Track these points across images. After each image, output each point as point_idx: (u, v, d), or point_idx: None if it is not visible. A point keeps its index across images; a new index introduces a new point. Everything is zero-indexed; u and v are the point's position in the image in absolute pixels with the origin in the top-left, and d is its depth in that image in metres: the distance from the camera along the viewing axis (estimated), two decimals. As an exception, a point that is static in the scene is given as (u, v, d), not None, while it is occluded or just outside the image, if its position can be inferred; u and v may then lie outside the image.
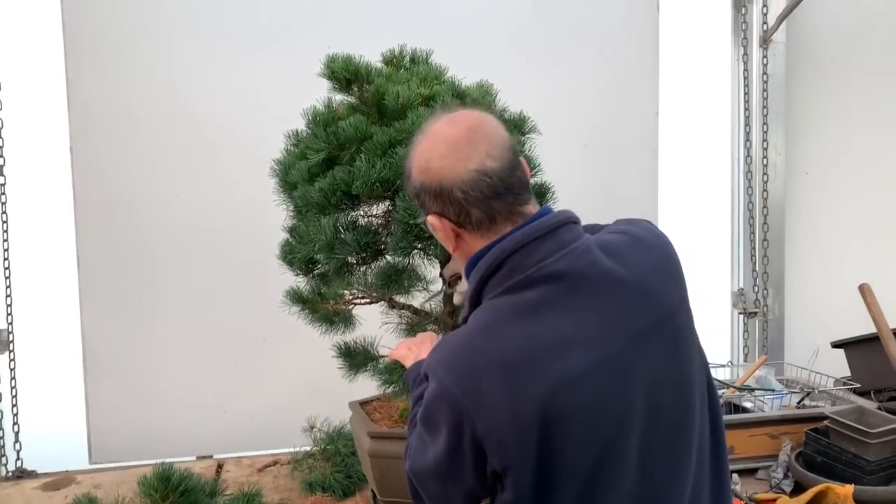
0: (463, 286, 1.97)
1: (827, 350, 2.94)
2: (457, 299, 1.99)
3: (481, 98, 2.00)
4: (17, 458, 2.80)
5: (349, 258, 1.95)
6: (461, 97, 1.97)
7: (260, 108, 3.08)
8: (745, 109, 3.24)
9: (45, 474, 2.80)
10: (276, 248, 3.02)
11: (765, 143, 3.21)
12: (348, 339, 2.34)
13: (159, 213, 3.06)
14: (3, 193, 2.78)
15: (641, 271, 1.32)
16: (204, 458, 3.07)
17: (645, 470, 1.29)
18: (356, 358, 2.18)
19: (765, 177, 3.22)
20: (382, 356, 2.14)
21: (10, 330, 2.81)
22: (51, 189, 2.98)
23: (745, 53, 3.24)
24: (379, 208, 2.02)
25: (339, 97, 2.07)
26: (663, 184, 3.42)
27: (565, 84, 3.32)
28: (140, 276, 3.07)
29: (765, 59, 3.14)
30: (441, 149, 1.32)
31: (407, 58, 2.18)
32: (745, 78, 3.25)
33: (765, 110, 3.18)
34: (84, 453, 3.08)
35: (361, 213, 2.00)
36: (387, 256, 2.00)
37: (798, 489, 2.30)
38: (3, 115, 2.79)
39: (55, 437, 3.05)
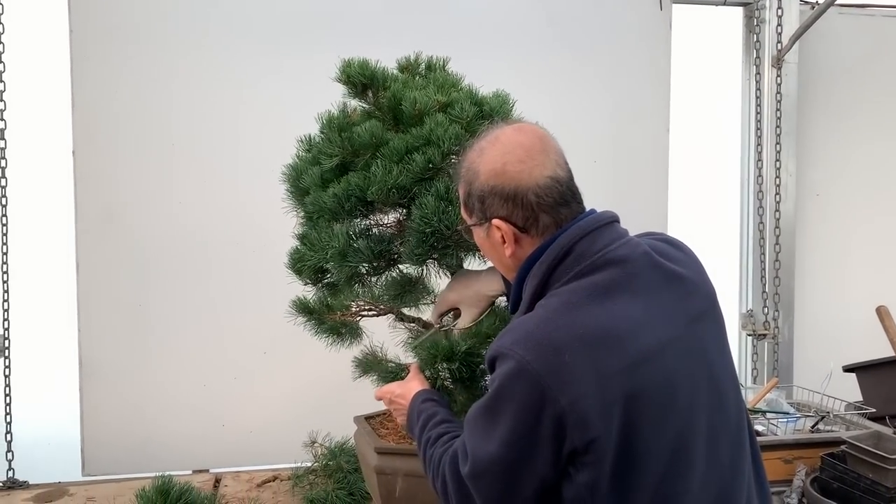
0: (463, 321, 1.93)
1: (837, 373, 2.89)
2: (455, 334, 1.94)
3: (499, 107, 1.96)
4: (9, 469, 2.72)
5: (361, 267, 1.89)
6: (479, 105, 1.93)
7: (265, 114, 3.06)
8: (757, 129, 3.21)
9: (37, 485, 2.72)
10: (279, 258, 2.97)
11: (777, 164, 3.18)
12: (356, 351, 2.28)
13: (161, 220, 3.01)
14: (4, 196, 2.72)
15: (688, 268, 1.41)
16: (200, 472, 3.00)
17: (712, 451, 1.33)
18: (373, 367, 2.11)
19: (777, 197, 3.19)
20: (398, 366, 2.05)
21: (7, 336, 2.74)
22: (52, 193, 2.93)
23: (758, 73, 3.22)
24: (391, 216, 1.97)
25: (353, 103, 2.02)
26: (673, 202, 3.38)
27: (576, 100, 3.30)
28: (140, 284, 3.01)
29: (778, 79, 3.12)
30: (519, 154, 1.38)
31: (423, 65, 2.14)
32: (758, 97, 3.22)
33: (778, 129, 3.15)
34: (77, 465, 3.00)
35: (373, 221, 1.94)
36: (399, 266, 1.95)
37: (813, 515, 2.24)
38: (7, 117, 2.73)
39: (48, 447, 2.98)
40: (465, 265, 1.97)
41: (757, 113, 3.22)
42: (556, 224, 1.39)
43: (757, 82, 3.22)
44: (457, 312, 1.95)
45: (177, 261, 3.02)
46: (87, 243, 2.95)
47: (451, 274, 1.98)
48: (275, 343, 3.09)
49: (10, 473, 2.72)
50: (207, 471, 3.00)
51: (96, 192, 2.95)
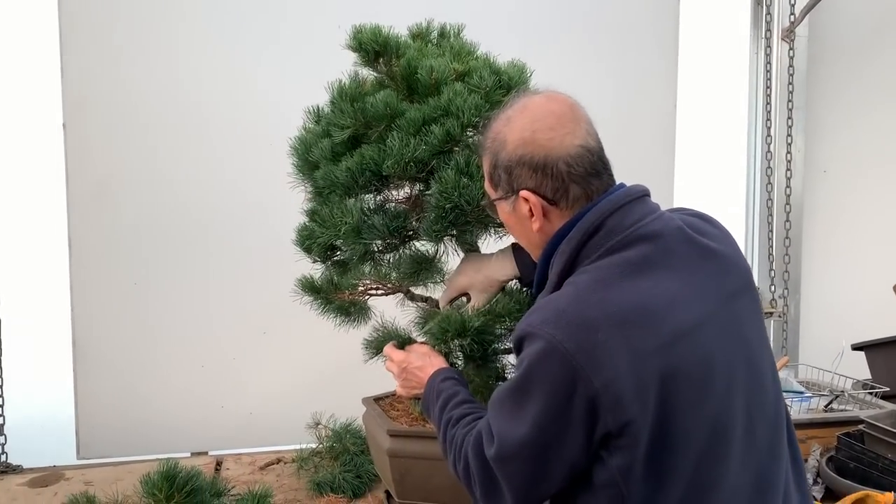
0: (473, 307, 1.85)
1: (845, 351, 2.86)
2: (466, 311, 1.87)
3: (517, 77, 1.88)
4: (2, 453, 2.63)
5: (374, 245, 1.81)
6: (497, 74, 1.84)
7: (263, 86, 2.95)
8: (767, 104, 3.14)
9: (32, 469, 2.63)
10: (279, 235, 2.87)
11: (789, 139, 3.12)
12: (361, 331, 2.20)
13: (156, 196, 2.90)
14: (-8, 170, 2.61)
15: (722, 244, 1.36)
16: (199, 454, 2.93)
17: (749, 434, 1.28)
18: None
19: (788, 173, 3.13)
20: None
21: (-3, 316, 2.63)
22: (42, 168, 2.81)
23: (768, 46, 3.14)
24: (405, 191, 1.89)
25: (364, 72, 1.93)
26: (679, 178, 3.32)
27: (582, 74, 3.21)
28: (135, 262, 2.91)
29: (791, 52, 3.05)
30: (549, 121, 1.32)
31: (435, 32, 2.05)
32: (767, 72, 3.15)
33: (790, 104, 3.08)
34: (71, 448, 2.92)
35: (387, 196, 1.86)
36: (414, 243, 1.87)
37: (829, 495, 2.21)
38: (-7, 88, 2.62)
39: (41, 430, 2.90)
40: (480, 242, 1.90)
41: (767, 88, 3.15)
42: (587, 196, 1.34)
43: (767, 56, 3.14)
44: (467, 297, 1.88)
45: (173, 238, 2.92)
46: (80, 220, 2.83)
47: (467, 252, 1.91)
48: (274, 323, 3.01)
49: (4, 457, 2.63)
50: (206, 453, 2.93)
51: (89, 166, 2.82)
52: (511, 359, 2.06)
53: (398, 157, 1.69)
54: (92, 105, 2.81)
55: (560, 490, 1.28)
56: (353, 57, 1.91)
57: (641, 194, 1.35)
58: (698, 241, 1.33)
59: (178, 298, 2.96)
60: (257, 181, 2.93)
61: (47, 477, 2.53)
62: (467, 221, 1.70)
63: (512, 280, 1.78)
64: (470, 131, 1.74)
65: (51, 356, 2.86)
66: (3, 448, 2.64)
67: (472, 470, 1.34)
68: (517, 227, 1.44)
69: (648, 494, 1.20)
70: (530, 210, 1.36)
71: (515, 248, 1.67)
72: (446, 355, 1.78)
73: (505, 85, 1.82)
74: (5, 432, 2.66)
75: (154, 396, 2.97)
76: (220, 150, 2.92)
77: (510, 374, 2.01)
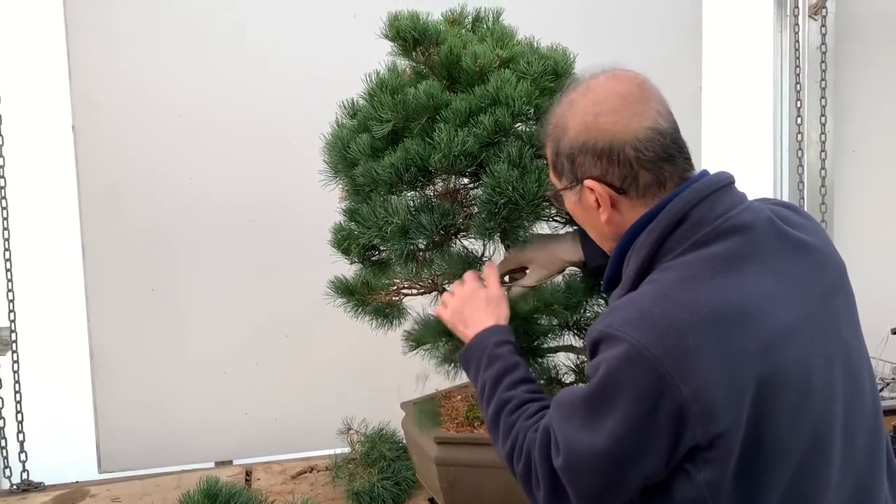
0: (528, 279, 1.77)
1: (876, 334, 2.78)
2: (514, 292, 1.79)
3: (562, 62, 1.78)
4: (23, 470, 2.53)
5: (420, 243, 1.72)
6: (542, 59, 1.74)
7: (275, 84, 2.84)
8: (797, 83, 3.04)
9: (54, 486, 2.54)
10: (300, 235, 2.81)
11: (822, 119, 3.02)
12: (390, 334, 2.11)
13: (172, 198, 2.79)
14: (3, 177, 2.48)
15: (814, 237, 1.27)
16: (223, 463, 2.85)
17: (848, 443, 1.18)
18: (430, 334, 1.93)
19: (823, 154, 3.04)
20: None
21: (13, 328, 2.52)
22: (52, 171, 2.68)
23: (796, 24, 3.04)
24: (447, 187, 1.79)
25: (400, 62, 1.83)
26: (706, 162, 3.22)
27: (604, 58, 3.10)
28: (151, 267, 2.80)
29: (823, 29, 2.95)
30: (613, 103, 1.21)
31: (469, 17, 1.95)
32: (796, 50, 3.05)
33: (822, 83, 2.99)
34: (92, 461, 2.82)
35: (431, 193, 1.77)
36: (460, 240, 1.78)
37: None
38: (2, 90, 2.49)
39: (60, 444, 2.79)
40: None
41: (796, 66, 3.05)
42: (659, 183, 1.22)
43: (796, 34, 3.04)
44: (520, 275, 1.80)
45: (190, 241, 2.81)
46: (93, 225, 2.72)
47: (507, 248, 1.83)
48: (297, 326, 2.92)
49: (24, 475, 2.53)
50: (231, 462, 2.84)
51: (100, 169, 2.71)
52: (562, 358, 1.98)
53: (446, 150, 1.59)
54: (101, 105, 2.70)
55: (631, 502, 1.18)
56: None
57: (728, 182, 1.23)
58: (790, 233, 1.22)
59: (197, 304, 2.85)
60: (274, 181, 2.84)
61: (72, 494, 2.44)
62: (521, 217, 1.60)
63: (576, 265, 1.69)
64: (521, 120, 1.65)
65: (67, 367, 2.74)
66: (23, 465, 2.54)
67: (537, 473, 1.23)
68: (585, 218, 1.34)
69: None
70: (597, 200, 1.26)
71: (583, 232, 1.57)
72: None
73: (551, 70, 1.72)
74: (25, 449, 2.57)
75: (175, 405, 2.88)
76: (235, 149, 2.81)
77: (564, 377, 1.93)
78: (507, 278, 1.81)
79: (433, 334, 1.87)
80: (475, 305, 1.55)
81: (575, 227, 1.69)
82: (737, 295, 1.13)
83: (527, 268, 1.75)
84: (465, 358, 1.51)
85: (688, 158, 1.26)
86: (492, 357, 1.43)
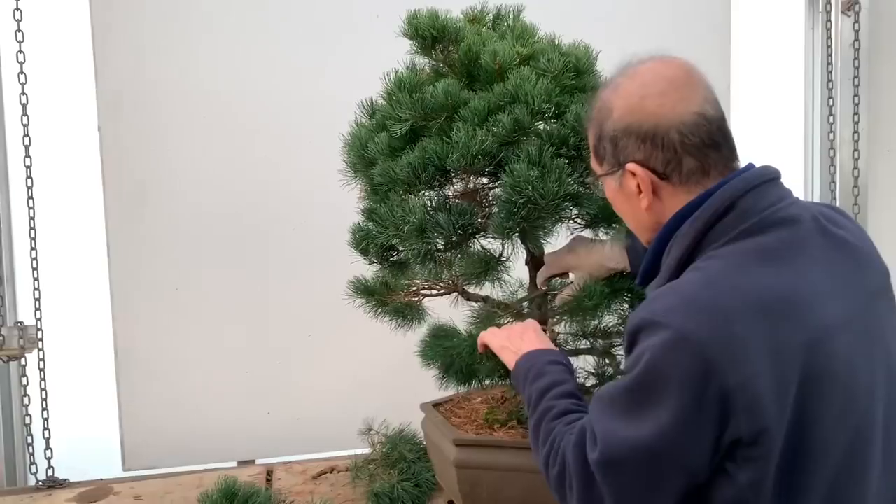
0: (574, 287, 1.75)
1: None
2: (558, 300, 1.77)
3: (585, 59, 1.75)
4: (49, 467, 2.56)
5: (438, 243, 1.70)
6: (564, 56, 1.72)
7: (300, 83, 2.83)
8: (829, 81, 2.97)
9: (78, 483, 2.56)
10: (323, 235, 2.79)
11: (855, 118, 2.95)
12: (413, 335, 2.10)
13: (195, 198, 2.80)
14: (30, 177, 2.51)
15: (858, 238, 1.24)
16: (245, 463, 2.85)
17: (888, 450, 1.15)
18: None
19: (856, 154, 2.97)
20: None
21: (39, 326, 2.55)
22: (78, 172, 2.72)
23: (828, 21, 2.98)
24: (465, 186, 1.77)
25: (419, 60, 1.81)
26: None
27: (631, 54, 3.06)
28: (176, 267, 2.82)
29: (856, 25, 2.88)
30: (661, 86, 1.21)
31: (489, 15, 1.92)
32: (828, 47, 2.98)
33: (856, 80, 2.92)
34: (116, 458, 2.84)
35: (450, 192, 1.75)
36: (478, 240, 1.76)
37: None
38: (29, 91, 2.52)
39: (84, 442, 2.83)
40: (552, 239, 1.78)
41: (828, 64, 2.98)
42: (703, 170, 1.20)
43: (828, 31, 2.97)
44: (561, 277, 1.78)
45: (214, 240, 2.82)
46: (118, 225, 2.74)
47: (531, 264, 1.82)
48: (320, 325, 2.91)
49: (50, 472, 2.56)
50: (254, 461, 2.85)
51: (126, 169, 2.73)
52: (580, 363, 1.95)
53: (465, 149, 1.57)
54: (128, 106, 2.72)
55: None
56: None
57: (775, 176, 1.22)
58: (835, 232, 1.20)
59: (221, 303, 2.86)
60: (299, 180, 2.83)
61: (96, 491, 2.45)
62: (540, 216, 1.58)
63: (621, 272, 1.68)
64: (541, 118, 1.62)
65: (92, 366, 2.78)
66: (49, 462, 2.56)
67: (570, 473, 1.18)
68: (625, 206, 1.31)
69: None
70: (638, 186, 1.23)
71: (629, 237, 1.54)
72: None
73: (573, 67, 1.69)
74: (51, 446, 2.60)
75: (199, 404, 2.89)
76: (259, 148, 2.82)
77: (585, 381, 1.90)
78: (550, 283, 1.81)
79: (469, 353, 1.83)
80: (527, 337, 1.55)
81: (604, 231, 1.67)
82: (786, 285, 1.11)
83: (567, 273, 1.74)
84: (516, 372, 1.50)
85: (733, 149, 1.24)
86: (541, 372, 1.43)
